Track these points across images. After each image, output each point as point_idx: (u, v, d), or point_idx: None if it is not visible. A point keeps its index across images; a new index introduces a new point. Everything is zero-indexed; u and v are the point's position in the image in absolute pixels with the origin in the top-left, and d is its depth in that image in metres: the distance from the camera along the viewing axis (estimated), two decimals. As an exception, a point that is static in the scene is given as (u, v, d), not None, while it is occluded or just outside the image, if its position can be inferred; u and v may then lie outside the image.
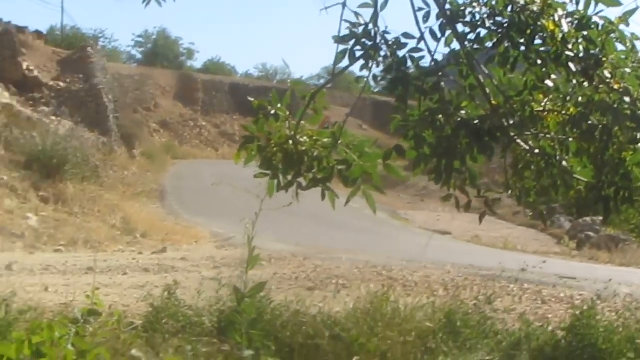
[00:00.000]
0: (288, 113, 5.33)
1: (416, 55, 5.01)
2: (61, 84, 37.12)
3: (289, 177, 5.24)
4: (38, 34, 43.96)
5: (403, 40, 4.97)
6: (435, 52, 5.06)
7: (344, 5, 5.00)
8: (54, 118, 30.52)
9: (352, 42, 4.98)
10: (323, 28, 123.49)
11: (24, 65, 35.83)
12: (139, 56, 64.93)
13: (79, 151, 24.47)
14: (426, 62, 5.06)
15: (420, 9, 5.04)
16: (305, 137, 5.27)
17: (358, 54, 5.00)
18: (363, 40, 4.96)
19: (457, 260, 17.99)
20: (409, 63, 4.98)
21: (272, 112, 5.32)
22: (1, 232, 17.32)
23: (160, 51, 62.52)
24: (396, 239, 24.23)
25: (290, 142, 5.23)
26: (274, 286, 12.56)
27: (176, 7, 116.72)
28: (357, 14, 4.99)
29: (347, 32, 4.99)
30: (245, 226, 6.39)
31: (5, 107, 25.93)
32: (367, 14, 5.01)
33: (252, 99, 5.58)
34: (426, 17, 5.03)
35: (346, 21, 4.98)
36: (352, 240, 21.92)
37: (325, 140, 5.23)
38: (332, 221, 21.58)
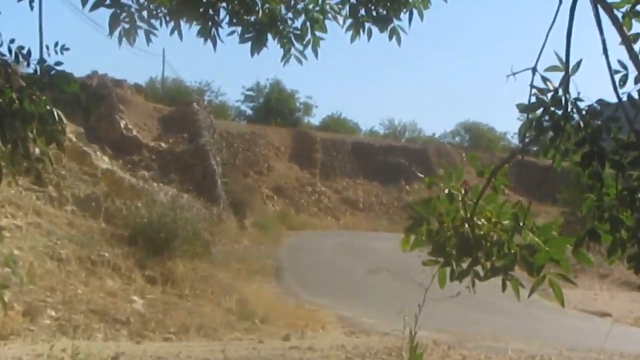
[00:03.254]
0: (464, 192, 5.38)
1: (613, 125, 4.99)
2: (163, 144, 38.23)
3: (464, 265, 5.26)
4: (137, 87, 45.61)
5: (597, 108, 4.98)
6: (634, 121, 5.01)
7: (534, 70, 5.08)
8: (155, 185, 31.30)
9: (539, 111, 5.05)
10: (455, 79, 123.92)
11: (122, 124, 37.09)
12: (249, 112, 66.16)
13: (190, 224, 24.90)
14: (624, 133, 5.01)
15: (617, 72, 5.05)
16: (483, 220, 5.31)
17: (546, 124, 5.06)
18: (552, 108, 5.02)
19: (618, 347, 17.70)
20: (605, 134, 4.97)
21: (446, 191, 5.38)
22: (104, 318, 17.69)
23: (274, 106, 63.22)
24: (549, 322, 23.84)
25: (466, 225, 5.27)
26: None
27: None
28: (545, 79, 5.06)
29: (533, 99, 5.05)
30: (404, 318, 6.48)
31: (105, 174, 26.79)
32: (555, 78, 5.07)
33: (422, 175, 5.71)
34: (623, 80, 5.03)
35: (534, 86, 5.07)
36: (500, 324, 21.71)
37: (506, 222, 5.25)
38: (475, 302, 21.36)
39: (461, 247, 5.25)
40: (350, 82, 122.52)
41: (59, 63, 5.61)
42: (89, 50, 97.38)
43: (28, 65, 5.64)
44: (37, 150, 5.49)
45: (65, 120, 5.52)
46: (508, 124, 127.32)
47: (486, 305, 22.60)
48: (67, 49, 6.07)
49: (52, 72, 5.48)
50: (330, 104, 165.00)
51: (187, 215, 25.54)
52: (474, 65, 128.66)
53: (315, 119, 68.37)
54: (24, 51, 5.67)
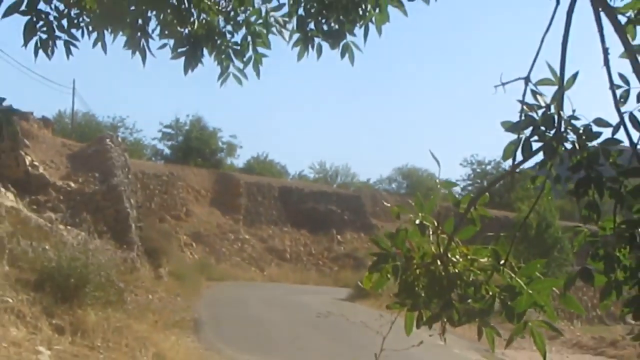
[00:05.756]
0: (436, 224, 5.10)
1: (612, 148, 4.81)
2: (72, 184, 37.77)
3: (434, 308, 4.98)
4: (44, 121, 45.17)
5: (595, 128, 4.77)
6: (638, 143, 4.71)
7: (527, 80, 4.91)
8: (62, 227, 30.94)
9: (528, 131, 4.85)
10: (392, 120, 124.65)
11: (27, 160, 36.57)
12: (167, 151, 66.38)
13: (103, 269, 24.63)
14: (625, 158, 4.79)
15: (618, 87, 4.83)
16: (457, 256, 5.05)
17: (535, 145, 4.85)
18: (543, 127, 4.82)
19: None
20: (603, 158, 4.77)
21: (417, 222, 5.10)
22: (6, 371, 17.44)
23: (194, 145, 63.51)
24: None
25: (439, 262, 5.01)
26: None
27: (214, 91, 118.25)
28: (535, 93, 4.88)
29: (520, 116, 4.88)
30: None
31: (9, 212, 26.42)
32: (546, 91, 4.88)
33: (387, 204, 5.54)
34: (625, 97, 4.83)
35: (522, 102, 4.89)
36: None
37: (484, 260, 5.00)
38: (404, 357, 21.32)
39: (432, 288, 4.99)
40: (278, 120, 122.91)
41: None
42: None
43: None
44: None
45: None
46: (450, 171, 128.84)
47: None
48: None
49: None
50: (255, 145, 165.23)
51: (99, 260, 25.22)
52: (413, 106, 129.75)
53: (240, 160, 68.74)
54: None
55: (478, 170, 76.10)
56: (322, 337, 29.58)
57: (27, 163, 36.38)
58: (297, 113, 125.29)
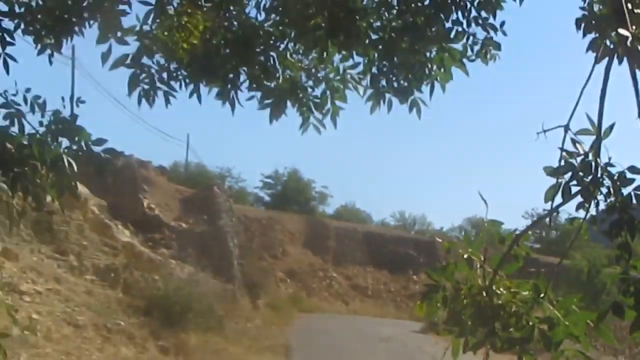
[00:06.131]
0: (483, 259, 5.06)
1: None
2: (183, 224, 37.95)
3: (479, 335, 4.94)
4: (161, 169, 45.57)
5: (629, 175, 4.67)
6: None
7: (567, 128, 4.79)
8: (173, 261, 31.06)
9: (567, 175, 4.75)
10: (462, 177, 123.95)
11: (145, 203, 36.91)
12: (267, 198, 66.21)
13: (204, 298, 24.65)
14: None
15: None
16: (501, 289, 5.00)
17: (574, 189, 4.75)
18: (581, 173, 4.71)
19: None
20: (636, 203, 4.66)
21: (465, 256, 5.07)
22: (116, 385, 17.39)
23: (291, 194, 63.36)
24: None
25: (484, 293, 4.95)
26: None
27: (309, 147, 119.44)
28: (574, 141, 4.77)
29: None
30: None
31: (125, 246, 26.58)
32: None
33: (440, 239, 5.38)
34: None
35: (562, 149, 4.77)
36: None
37: (525, 293, 4.95)
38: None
39: (477, 317, 4.93)
40: (365, 173, 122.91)
41: (75, 115, 5.44)
42: (117, 131, 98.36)
43: (42, 115, 5.47)
44: (48, 198, 5.21)
45: (76, 168, 5.24)
46: (514, 222, 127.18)
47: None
48: (83, 102, 5.98)
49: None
50: (344, 194, 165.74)
51: (202, 290, 25.26)
52: (483, 159, 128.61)
53: (330, 207, 68.40)
54: (40, 101, 5.50)
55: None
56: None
57: (145, 205, 36.66)
58: (381, 166, 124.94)
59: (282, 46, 7.49)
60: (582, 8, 6.26)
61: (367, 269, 58.42)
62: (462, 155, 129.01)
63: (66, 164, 5.12)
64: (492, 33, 7.35)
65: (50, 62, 6.27)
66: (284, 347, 30.82)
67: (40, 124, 5.36)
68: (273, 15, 7.41)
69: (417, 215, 73.97)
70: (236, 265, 38.51)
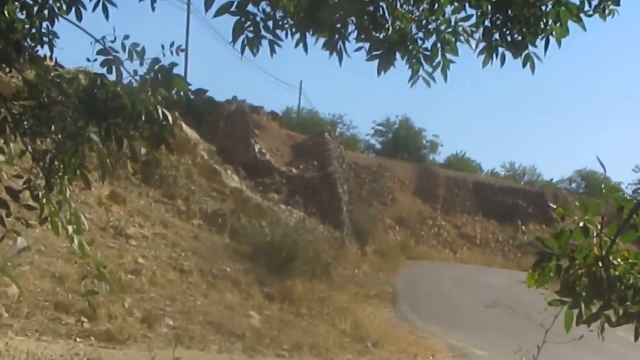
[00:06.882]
0: (600, 227, 4.44)
1: None
2: (294, 170, 37.63)
3: (593, 308, 4.46)
4: (273, 115, 45.17)
5: None
6: None
7: None
8: (283, 207, 30.67)
9: None
10: (576, 125, 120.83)
11: (256, 148, 36.67)
12: (378, 145, 65.87)
13: (311, 245, 24.19)
14: None
15: None
16: (619, 260, 4.45)
17: None
18: None
19: None
20: None
21: (581, 224, 4.45)
22: (220, 330, 16.93)
23: (402, 142, 63.02)
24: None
25: (600, 264, 4.42)
26: None
27: (421, 96, 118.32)
28: None
29: None
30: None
31: (233, 192, 26.23)
32: None
33: (554, 206, 4.63)
34: None
35: None
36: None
37: None
38: (594, 346, 19.45)
39: (593, 288, 4.46)
40: (475, 123, 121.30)
41: (173, 64, 5.03)
42: (231, 77, 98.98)
43: (141, 64, 5.08)
44: (142, 151, 4.62)
45: (171, 120, 4.86)
46: (623, 175, 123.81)
47: (605, 350, 20.62)
48: (183, 50, 5.57)
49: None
50: (454, 144, 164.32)
51: (309, 237, 24.83)
52: (594, 111, 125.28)
53: (440, 156, 67.68)
54: (138, 48, 5.12)
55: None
56: (497, 312, 28.21)
57: (256, 150, 36.38)
58: (492, 117, 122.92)
59: (393, -4, 7.20)
60: None
61: (475, 218, 58.00)
62: (574, 107, 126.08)
63: (161, 115, 4.77)
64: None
65: (153, 8, 5.88)
66: (390, 294, 30.26)
67: (135, 72, 5.02)
68: (382, -35, 7.04)
69: (527, 166, 72.61)
70: (345, 212, 38.11)
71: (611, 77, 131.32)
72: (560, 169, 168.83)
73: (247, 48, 6.36)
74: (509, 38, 6.84)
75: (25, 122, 4.67)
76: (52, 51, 5.42)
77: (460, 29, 6.97)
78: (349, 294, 25.62)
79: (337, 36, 6.75)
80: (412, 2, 7.03)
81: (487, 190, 59.85)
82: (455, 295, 31.94)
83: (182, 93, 5.00)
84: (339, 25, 6.77)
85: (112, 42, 5.12)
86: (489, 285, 36.06)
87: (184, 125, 25.64)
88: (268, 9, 6.31)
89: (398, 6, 6.92)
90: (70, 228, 4.46)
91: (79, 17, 5.49)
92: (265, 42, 6.41)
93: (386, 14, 6.80)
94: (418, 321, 24.84)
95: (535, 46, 6.80)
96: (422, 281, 35.52)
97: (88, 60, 5.04)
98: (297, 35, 6.61)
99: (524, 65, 6.85)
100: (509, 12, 6.84)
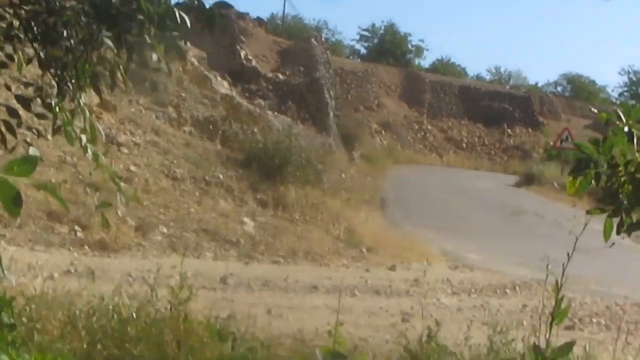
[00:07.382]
0: None
1: None
2: (280, 76, 37.15)
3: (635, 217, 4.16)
4: (259, 21, 44.36)
5: None
6: None
7: None
8: (270, 112, 30.34)
9: None
10: (560, 30, 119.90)
11: (242, 54, 36.09)
12: (363, 51, 65.45)
13: (303, 152, 23.91)
14: None
15: None
16: None
17: None
18: None
19: None
20: None
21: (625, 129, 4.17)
22: (214, 238, 16.77)
23: (387, 47, 62.48)
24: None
25: None
26: (527, 322, 11.53)
27: (406, 0, 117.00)
28: None
29: None
30: (547, 268, 5.23)
31: (224, 98, 25.79)
32: None
33: (595, 110, 4.24)
34: None
35: None
36: (599, 268, 19.74)
37: None
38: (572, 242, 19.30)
39: (636, 196, 4.18)
40: (460, 28, 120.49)
41: None
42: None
43: None
44: (154, 57, 4.27)
45: (189, 24, 4.37)
46: (607, 78, 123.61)
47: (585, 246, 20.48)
48: None
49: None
50: (440, 49, 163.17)
51: (301, 143, 24.49)
52: (580, 17, 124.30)
53: (426, 61, 67.44)
54: None
55: (634, 79, 71.47)
56: (488, 216, 28.14)
57: (242, 56, 35.82)
58: (477, 21, 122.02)
59: None
60: None
61: (461, 122, 57.83)
62: (559, 9, 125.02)
63: (178, 19, 4.30)
64: None
65: None
66: (379, 199, 30.14)
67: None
68: None
69: (513, 70, 72.45)
70: (332, 117, 37.70)
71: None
72: (546, 72, 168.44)
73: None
74: None
75: (36, 28, 4.29)
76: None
77: None
78: (341, 199, 25.41)
79: None
80: None
81: (473, 94, 59.41)
82: (444, 199, 31.88)
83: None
84: None
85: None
86: (477, 188, 36.13)
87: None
88: None
89: None
90: (83, 137, 4.13)
91: None
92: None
93: None
94: (409, 226, 24.65)
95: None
96: (410, 186, 35.40)
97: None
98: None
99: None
100: None
